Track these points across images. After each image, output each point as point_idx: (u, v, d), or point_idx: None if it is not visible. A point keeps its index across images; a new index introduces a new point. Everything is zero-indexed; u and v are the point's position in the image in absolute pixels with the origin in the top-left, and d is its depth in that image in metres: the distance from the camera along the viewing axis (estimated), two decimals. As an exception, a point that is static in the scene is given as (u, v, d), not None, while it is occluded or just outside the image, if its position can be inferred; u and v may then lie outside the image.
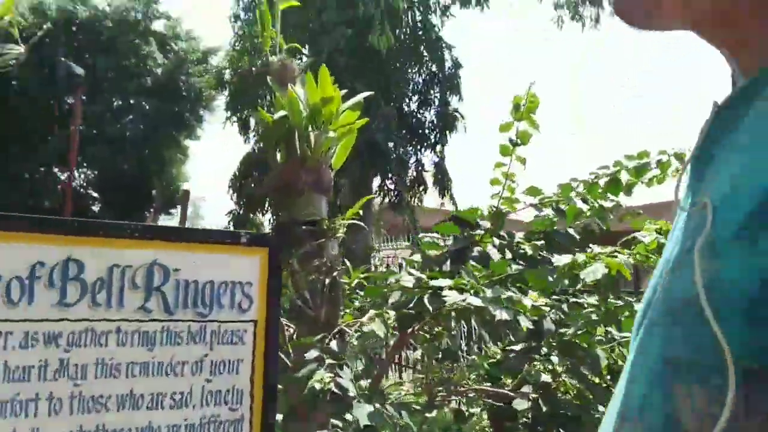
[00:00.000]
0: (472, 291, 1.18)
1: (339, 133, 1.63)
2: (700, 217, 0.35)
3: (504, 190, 1.47)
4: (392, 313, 1.52)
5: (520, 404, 1.28)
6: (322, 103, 1.57)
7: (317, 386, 1.14)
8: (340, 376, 1.18)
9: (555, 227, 1.54)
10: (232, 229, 12.21)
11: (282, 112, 1.60)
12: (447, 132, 11.35)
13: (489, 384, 1.67)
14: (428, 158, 11.59)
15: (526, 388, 1.28)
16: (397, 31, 9.44)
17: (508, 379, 1.62)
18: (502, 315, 1.14)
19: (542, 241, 1.42)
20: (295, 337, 1.77)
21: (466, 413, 1.58)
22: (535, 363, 1.42)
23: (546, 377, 1.30)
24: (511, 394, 1.34)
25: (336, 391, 1.14)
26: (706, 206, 0.34)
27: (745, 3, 0.39)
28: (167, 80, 18.42)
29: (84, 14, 16.54)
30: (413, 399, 1.65)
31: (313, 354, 1.30)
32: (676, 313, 0.34)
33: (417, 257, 1.52)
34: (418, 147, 11.42)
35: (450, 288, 1.20)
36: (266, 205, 11.95)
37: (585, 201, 1.41)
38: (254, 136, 12.81)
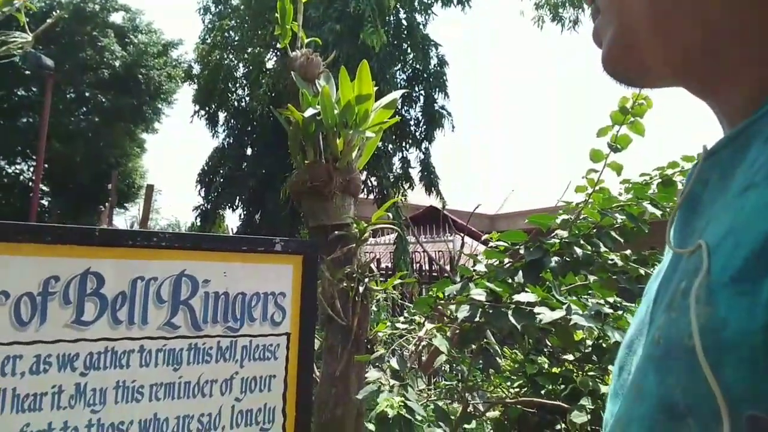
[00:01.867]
0: (564, 307, 1.10)
1: (372, 132, 1.53)
2: (695, 260, 0.35)
3: (590, 199, 1.39)
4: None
5: (578, 417, 1.21)
6: (356, 101, 1.47)
7: (390, 412, 1.04)
8: (408, 399, 1.09)
9: (594, 230, 1.49)
10: (198, 223, 11.92)
11: (312, 110, 1.48)
12: (433, 129, 11.35)
13: (525, 392, 1.61)
14: (414, 155, 11.63)
15: (584, 401, 1.21)
16: (384, 28, 9.36)
17: (546, 387, 1.56)
18: (614, 335, 1.07)
19: (590, 247, 1.36)
20: (321, 349, 1.67)
21: (506, 424, 1.52)
22: (592, 373, 1.36)
23: (605, 388, 1.23)
24: (566, 406, 1.27)
25: (405, 414, 1.05)
26: (701, 248, 0.34)
27: (715, 55, 0.41)
28: (125, 73, 17.80)
29: (38, 4, 15.82)
30: (443, 407, 1.57)
31: (375, 374, 1.20)
32: (672, 357, 0.33)
33: (480, 267, 1.43)
34: (402, 144, 11.37)
35: (539, 303, 1.12)
36: (236, 201, 11.72)
37: (656, 205, 1.34)
38: (224, 130, 12.55)
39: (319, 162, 1.55)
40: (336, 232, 1.56)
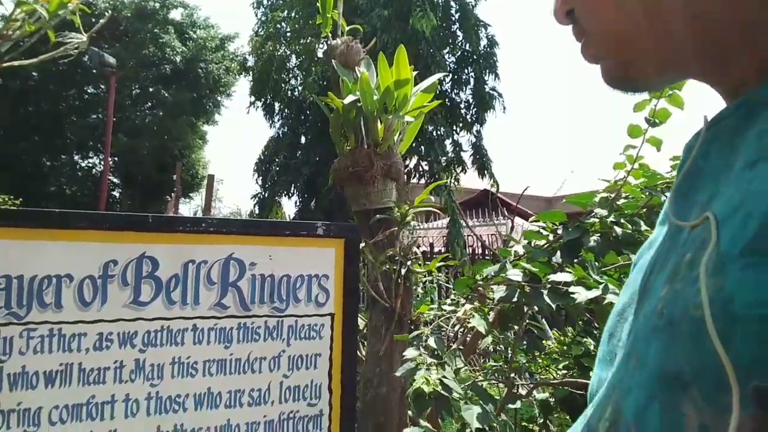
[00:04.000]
0: (600, 287, 1.09)
1: (411, 116, 1.54)
2: (701, 232, 0.35)
3: (629, 175, 1.35)
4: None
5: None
6: (395, 86, 1.48)
7: (426, 389, 1.07)
8: (446, 377, 1.12)
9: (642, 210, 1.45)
10: (257, 211, 12.27)
11: (351, 97, 1.51)
12: (484, 111, 11.19)
13: (572, 374, 1.59)
14: (465, 138, 11.47)
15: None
16: (433, 11, 9.28)
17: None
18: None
19: (639, 226, 1.33)
20: (366, 329, 1.71)
21: (553, 405, 1.51)
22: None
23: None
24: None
25: (441, 391, 1.07)
26: (708, 221, 0.34)
27: (716, 45, 0.40)
28: (186, 68, 18.48)
29: (103, 4, 16.61)
30: (487, 387, 1.58)
31: (412, 353, 1.23)
32: (677, 328, 0.33)
33: (518, 248, 1.42)
34: (453, 127, 11.28)
35: (575, 283, 1.11)
36: (292, 189, 11.99)
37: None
38: (279, 119, 12.83)
39: (360, 147, 1.58)
40: (378, 216, 1.58)
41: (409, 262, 1.59)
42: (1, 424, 1.23)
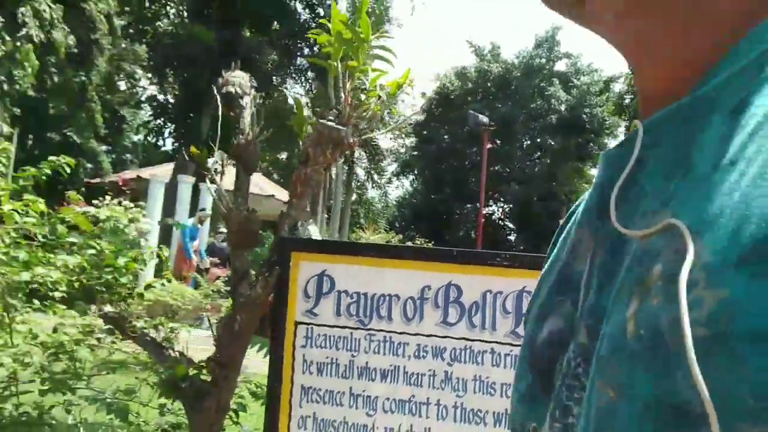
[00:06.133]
0: None
1: None
2: (662, 242, 0.31)
3: None
4: None
5: None
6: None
7: None
8: None
9: None
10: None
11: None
12: None
13: None
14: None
15: None
16: None
17: None
18: None
19: None
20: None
21: None
22: None
23: None
24: None
25: None
26: (676, 228, 0.30)
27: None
28: (570, 115, 19.09)
29: (497, 69, 18.83)
30: None
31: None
32: (669, 351, 0.28)
33: None
34: None
35: None
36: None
37: None
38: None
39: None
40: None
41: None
42: (353, 404, 1.63)
